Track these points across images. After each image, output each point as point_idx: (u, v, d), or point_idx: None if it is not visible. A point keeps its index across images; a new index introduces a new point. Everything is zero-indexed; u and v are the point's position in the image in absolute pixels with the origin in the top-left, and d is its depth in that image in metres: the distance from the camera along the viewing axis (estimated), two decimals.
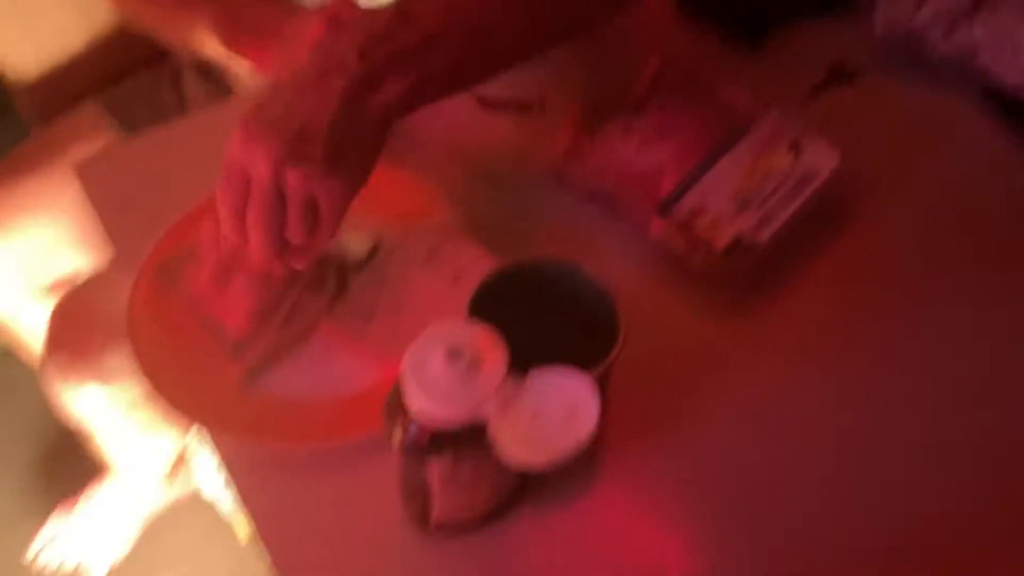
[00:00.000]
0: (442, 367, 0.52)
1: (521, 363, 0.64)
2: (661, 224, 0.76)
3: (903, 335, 0.74)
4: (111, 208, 0.81)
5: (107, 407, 1.00)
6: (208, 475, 1.24)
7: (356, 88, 0.60)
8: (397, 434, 0.55)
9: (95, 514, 1.40)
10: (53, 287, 1.21)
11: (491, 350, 0.53)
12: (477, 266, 0.73)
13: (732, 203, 0.75)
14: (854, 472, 0.67)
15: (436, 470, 0.57)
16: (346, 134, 0.59)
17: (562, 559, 0.63)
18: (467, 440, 0.55)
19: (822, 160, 0.78)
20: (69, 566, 1.42)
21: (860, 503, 0.66)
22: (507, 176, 0.83)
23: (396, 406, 0.55)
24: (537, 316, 0.66)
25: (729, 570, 0.63)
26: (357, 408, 0.68)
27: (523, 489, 0.64)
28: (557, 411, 0.51)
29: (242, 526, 1.39)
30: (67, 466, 1.55)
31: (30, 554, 1.42)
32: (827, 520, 0.65)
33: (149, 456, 1.26)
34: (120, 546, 1.44)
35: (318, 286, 0.74)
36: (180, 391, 0.69)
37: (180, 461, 1.38)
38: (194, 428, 1.02)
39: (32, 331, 1.27)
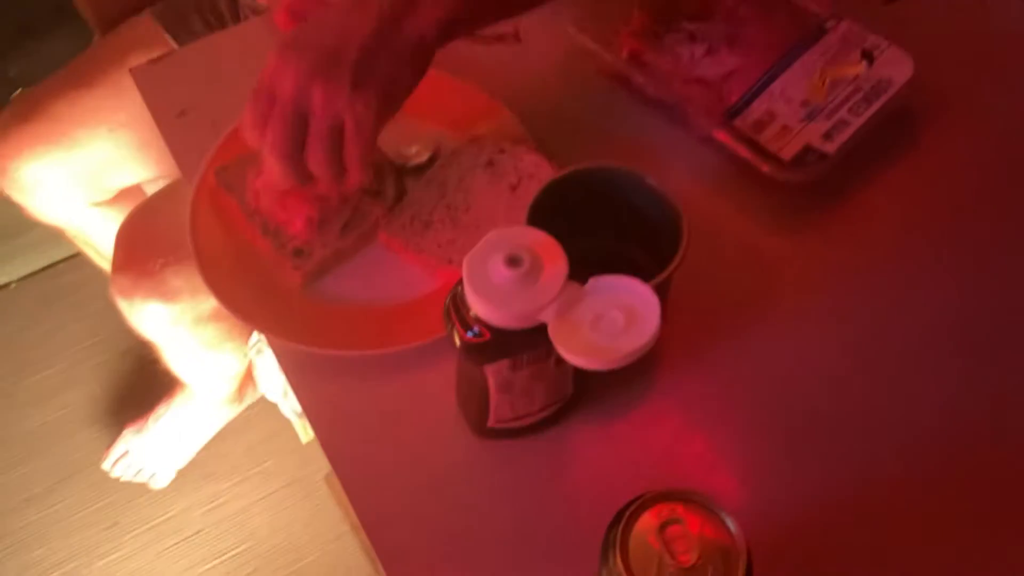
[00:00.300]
0: (502, 272, 0.51)
1: (580, 271, 0.63)
2: (726, 133, 0.74)
3: (967, 258, 0.72)
4: (170, 116, 0.81)
5: (172, 325, 1.02)
6: (270, 378, 1.27)
7: (392, 12, 0.59)
8: (456, 338, 0.55)
9: (165, 430, 1.45)
10: (116, 199, 1.23)
11: (551, 256, 0.53)
12: (537, 174, 0.72)
13: (801, 112, 0.73)
14: (911, 389, 0.66)
15: (494, 375, 0.57)
16: (378, 58, 0.58)
17: (613, 468, 0.64)
18: (525, 345, 0.55)
19: (896, 70, 0.75)
20: (141, 477, 1.47)
21: (916, 420, 0.64)
22: (568, 84, 0.81)
23: (456, 311, 0.55)
24: (597, 224, 0.65)
25: (781, 484, 0.62)
26: (415, 315, 0.68)
27: (578, 397, 0.64)
28: (618, 316, 0.51)
29: (303, 429, 1.42)
30: (138, 376, 1.60)
31: (105, 465, 1.48)
32: (881, 436, 0.64)
33: (216, 374, 1.28)
34: (187, 458, 1.49)
35: (377, 194, 0.73)
36: (241, 297, 0.69)
37: (246, 380, 1.42)
38: (256, 337, 1.05)
39: (100, 241, 1.30)
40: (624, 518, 0.44)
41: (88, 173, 1.17)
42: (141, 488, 1.48)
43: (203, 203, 0.73)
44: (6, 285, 1.73)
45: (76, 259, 1.70)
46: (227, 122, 0.76)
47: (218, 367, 1.24)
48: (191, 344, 1.08)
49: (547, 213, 0.62)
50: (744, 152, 0.73)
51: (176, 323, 1.01)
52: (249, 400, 1.48)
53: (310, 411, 0.68)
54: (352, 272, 0.72)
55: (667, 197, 0.61)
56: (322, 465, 1.47)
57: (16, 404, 1.59)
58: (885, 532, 0.59)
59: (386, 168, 0.75)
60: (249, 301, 0.69)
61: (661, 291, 0.58)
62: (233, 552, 1.43)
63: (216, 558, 1.42)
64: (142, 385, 1.59)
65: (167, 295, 0.98)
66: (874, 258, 0.72)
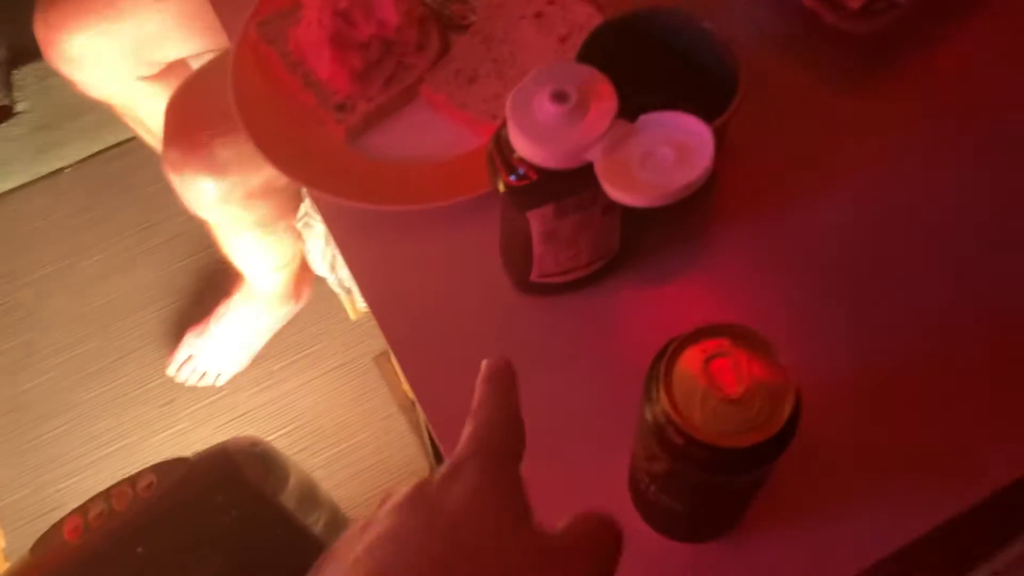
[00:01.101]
0: (548, 109, 0.49)
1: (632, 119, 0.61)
2: None
3: None
4: None
5: (223, 202, 1.01)
6: (318, 251, 1.27)
7: None
8: (500, 184, 0.54)
9: (226, 332, 1.46)
10: (163, 74, 1.22)
11: (599, 93, 0.50)
12: (587, 26, 0.69)
13: None
14: (964, 261, 0.62)
15: (538, 223, 0.55)
16: None
17: (659, 328, 0.62)
18: (571, 188, 0.53)
19: None
20: (206, 380, 1.49)
21: (972, 293, 0.61)
22: None
23: (499, 153, 0.53)
24: (649, 77, 0.62)
25: (829, 353, 0.60)
26: (460, 172, 0.67)
27: (625, 254, 0.62)
28: (668, 153, 0.48)
29: (351, 305, 1.43)
30: (189, 260, 1.62)
31: (170, 371, 1.50)
32: (931, 311, 0.61)
33: (271, 259, 1.28)
34: (248, 358, 1.50)
35: (420, 47, 0.71)
36: (285, 152, 0.68)
37: (302, 277, 1.42)
38: (304, 210, 1.04)
39: (148, 118, 1.30)
40: (668, 352, 0.43)
41: (135, 46, 1.16)
42: None
43: (246, 57, 0.72)
44: (61, 170, 1.75)
45: (128, 144, 1.71)
46: None
47: (273, 250, 1.24)
48: (244, 222, 1.08)
49: (598, 58, 0.59)
50: (808, 1, 0.69)
51: (227, 200, 1.01)
52: (306, 300, 1.49)
53: (357, 270, 0.67)
54: (396, 128, 0.70)
55: (724, 43, 0.58)
56: (371, 347, 1.49)
57: (73, 286, 1.62)
58: (939, 389, 0.57)
59: (430, 20, 0.72)
60: (293, 156, 0.68)
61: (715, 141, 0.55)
62: (284, 431, 1.46)
63: (270, 434, 1.46)
64: (194, 269, 1.61)
65: (216, 169, 0.98)
66: (936, 120, 0.68)
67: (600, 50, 0.59)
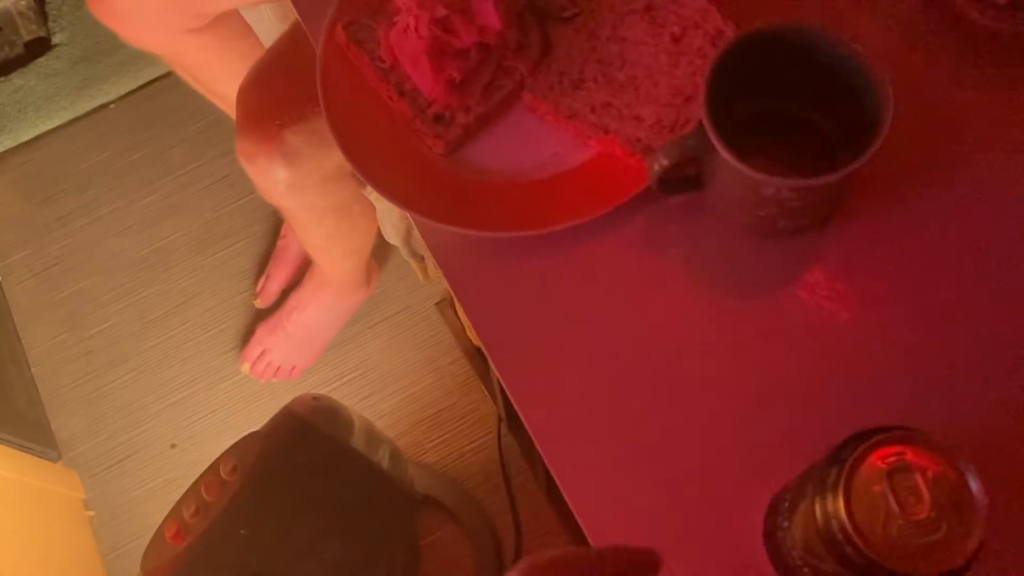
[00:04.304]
0: None
1: (756, 133, 0.57)
2: None
3: None
4: None
5: (298, 189, 0.98)
6: (390, 225, 1.23)
7: None
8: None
9: (299, 325, 1.41)
10: (213, 25, 1.16)
11: None
12: (703, 24, 0.64)
13: None
14: None
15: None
16: None
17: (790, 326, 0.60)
18: None
19: None
20: (280, 376, 1.46)
21: None
22: None
23: None
24: (777, 83, 0.58)
25: (969, 335, 0.57)
26: (569, 189, 0.63)
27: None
28: None
29: (422, 271, 1.41)
30: (243, 199, 1.59)
31: (244, 368, 1.47)
32: None
33: (348, 244, 1.23)
34: (322, 350, 1.46)
35: (520, 46, 0.66)
36: (379, 167, 0.64)
37: (371, 264, 1.39)
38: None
39: (198, 70, 1.25)
40: (845, 460, 0.40)
41: None
42: (255, 313, 1.51)
43: (332, 61, 0.67)
44: (105, 106, 1.71)
45: (170, 78, 1.66)
46: None
47: (349, 235, 1.19)
48: (320, 208, 1.04)
49: (730, 72, 0.54)
50: None
51: (303, 186, 0.97)
52: (375, 285, 1.45)
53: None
54: (495, 139, 0.66)
55: (874, 70, 0.53)
56: (432, 292, 1.47)
57: (129, 229, 1.60)
58: None
59: (528, 15, 0.67)
60: (390, 172, 0.64)
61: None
62: (350, 376, 1.46)
63: (335, 382, 1.46)
64: (250, 210, 1.58)
65: (289, 156, 0.94)
66: None
67: (734, 58, 0.55)
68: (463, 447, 1.40)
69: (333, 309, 1.39)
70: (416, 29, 0.62)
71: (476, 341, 1.41)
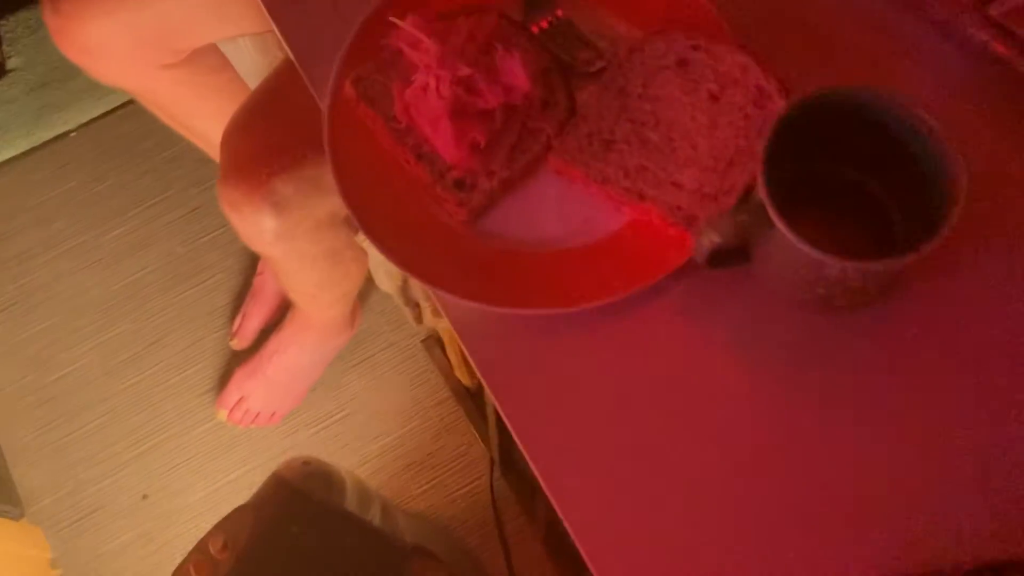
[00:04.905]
0: None
1: (813, 200, 0.54)
2: (976, 21, 0.59)
3: None
4: None
5: (287, 238, 0.91)
6: (383, 272, 1.17)
7: None
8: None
9: (279, 370, 1.34)
10: (189, 60, 1.10)
11: None
12: (743, 80, 0.60)
13: None
14: None
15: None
16: None
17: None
18: None
19: None
20: (259, 421, 1.38)
21: None
22: None
23: None
24: (833, 149, 0.54)
25: None
26: (602, 259, 0.58)
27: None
28: None
29: (415, 320, 1.35)
30: (215, 233, 1.52)
31: (220, 415, 1.39)
32: None
33: (337, 290, 1.17)
34: (304, 394, 1.39)
35: (545, 104, 0.61)
36: (395, 236, 0.59)
37: (355, 304, 1.33)
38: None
39: (171, 107, 1.18)
40: None
41: (159, 33, 1.04)
42: (231, 353, 1.44)
43: (340, 120, 0.62)
44: (65, 134, 1.63)
45: (136, 105, 1.58)
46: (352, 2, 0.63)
47: (338, 280, 1.13)
48: (310, 256, 0.99)
49: (784, 136, 0.50)
50: (1000, 47, 0.59)
51: (292, 236, 0.91)
52: (359, 325, 1.39)
53: (481, 364, 0.59)
54: (520, 205, 0.61)
55: (948, 147, 0.49)
56: (418, 328, 1.41)
57: (95, 265, 1.52)
58: None
59: (554, 71, 0.62)
60: (407, 242, 0.59)
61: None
62: (333, 419, 1.40)
63: (316, 425, 1.40)
64: (223, 243, 1.51)
65: (278, 205, 0.88)
66: None
67: (790, 123, 0.51)
68: (453, 492, 1.35)
69: (316, 351, 1.32)
70: (437, 89, 0.57)
71: (466, 380, 1.36)
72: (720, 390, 0.57)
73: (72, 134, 1.63)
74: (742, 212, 0.52)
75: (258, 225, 0.89)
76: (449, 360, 1.37)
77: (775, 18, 0.63)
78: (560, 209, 0.60)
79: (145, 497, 1.38)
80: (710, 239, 0.52)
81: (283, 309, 1.41)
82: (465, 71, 0.57)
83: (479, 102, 0.58)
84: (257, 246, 0.97)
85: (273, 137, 0.88)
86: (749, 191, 0.57)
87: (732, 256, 0.55)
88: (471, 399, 1.38)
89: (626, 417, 0.57)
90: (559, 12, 0.64)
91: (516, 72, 0.58)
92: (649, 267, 0.57)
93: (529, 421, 0.57)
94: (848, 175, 0.57)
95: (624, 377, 0.58)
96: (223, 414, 1.38)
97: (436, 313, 0.88)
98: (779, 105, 0.58)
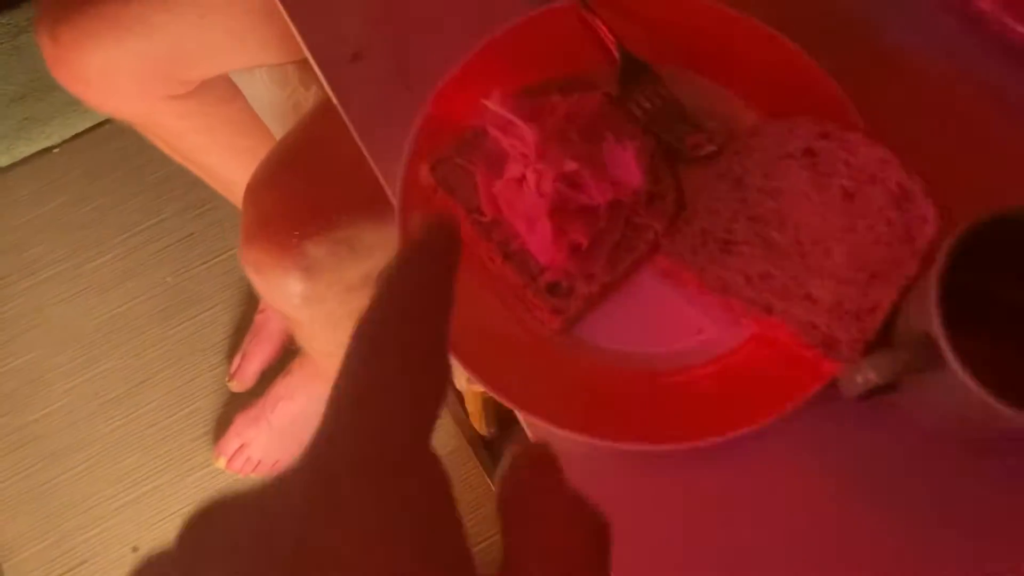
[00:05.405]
0: None
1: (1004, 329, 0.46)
2: None
3: None
4: (339, 60, 0.59)
5: (316, 301, 0.82)
6: None
7: None
8: None
9: (283, 417, 1.25)
10: (197, 91, 1.00)
11: None
12: (882, 176, 0.52)
13: None
14: None
15: None
16: None
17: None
18: None
19: None
20: (260, 470, 1.29)
21: None
22: (902, 28, 0.58)
23: None
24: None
25: None
26: (721, 383, 0.50)
27: None
28: None
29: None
30: (208, 259, 1.43)
31: (220, 463, 1.30)
32: None
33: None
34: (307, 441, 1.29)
35: (651, 197, 0.53)
36: (476, 348, 0.51)
37: None
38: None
39: (175, 139, 1.08)
40: None
41: (168, 65, 0.94)
42: (228, 393, 1.35)
43: (413, 208, 0.53)
44: (48, 150, 1.52)
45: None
46: (421, 67, 0.55)
47: None
48: (337, 316, 0.90)
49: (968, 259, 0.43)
50: None
51: (322, 299, 0.83)
52: None
53: None
54: (622, 312, 0.53)
55: None
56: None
57: (79, 294, 1.42)
58: None
59: (659, 158, 0.54)
60: (483, 349, 0.51)
61: None
62: None
63: None
64: (219, 273, 1.42)
65: (309, 270, 0.79)
66: None
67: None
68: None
69: (323, 400, 1.23)
70: (537, 185, 0.49)
71: (482, 430, 1.28)
72: (855, 532, 0.49)
73: (55, 150, 1.52)
74: (905, 351, 0.45)
75: (285, 289, 0.81)
76: (465, 410, 1.28)
77: (911, 101, 0.56)
78: (669, 319, 0.53)
79: (136, 550, 1.29)
80: (866, 377, 0.45)
81: (286, 349, 1.32)
82: (571, 165, 0.49)
83: (583, 200, 0.50)
84: (281, 308, 0.88)
85: (305, 194, 0.79)
86: (896, 310, 0.50)
87: (880, 389, 0.48)
88: (486, 449, 1.30)
89: (742, 558, 0.49)
90: (661, 87, 0.56)
91: (629, 165, 0.50)
92: (778, 395, 0.49)
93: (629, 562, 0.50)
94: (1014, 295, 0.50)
95: (740, 515, 0.50)
96: (222, 461, 1.29)
97: (470, 381, 0.80)
98: (924, 209, 0.51)
